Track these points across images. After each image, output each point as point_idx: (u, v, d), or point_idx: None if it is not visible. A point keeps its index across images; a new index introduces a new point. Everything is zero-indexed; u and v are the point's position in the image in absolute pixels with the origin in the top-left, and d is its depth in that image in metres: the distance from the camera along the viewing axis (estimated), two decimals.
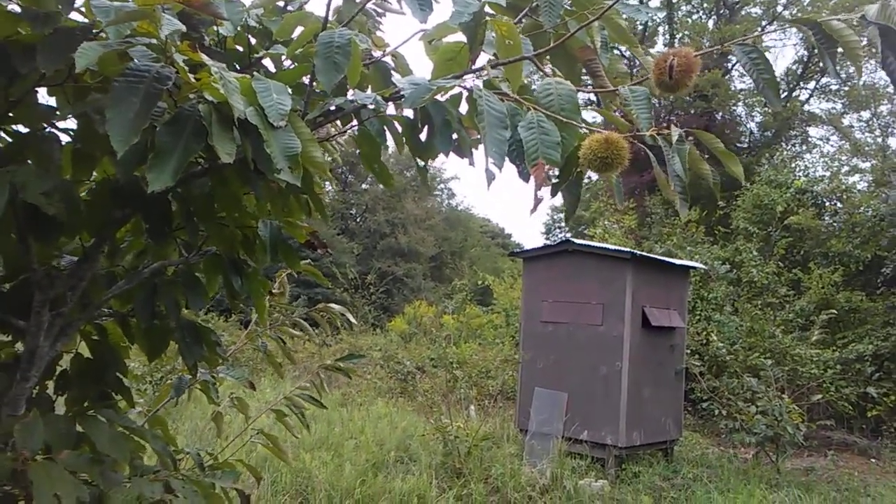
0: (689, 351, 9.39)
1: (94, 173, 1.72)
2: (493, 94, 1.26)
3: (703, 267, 10.78)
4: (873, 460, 9.03)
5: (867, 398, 9.60)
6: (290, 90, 1.32)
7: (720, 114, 19.03)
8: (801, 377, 9.12)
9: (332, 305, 2.72)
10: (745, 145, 20.56)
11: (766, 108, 20.41)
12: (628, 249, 8.03)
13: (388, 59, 1.70)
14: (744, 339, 10.23)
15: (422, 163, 1.56)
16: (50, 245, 1.64)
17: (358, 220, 30.95)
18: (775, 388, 7.97)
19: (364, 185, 31.43)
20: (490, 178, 1.20)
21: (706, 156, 1.40)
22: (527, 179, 1.26)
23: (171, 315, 1.88)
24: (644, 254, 8.14)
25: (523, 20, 1.57)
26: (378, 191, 30.92)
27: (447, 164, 48.30)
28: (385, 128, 1.60)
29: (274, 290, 2.73)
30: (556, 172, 1.37)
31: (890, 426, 9.75)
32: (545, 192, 1.40)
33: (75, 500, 1.32)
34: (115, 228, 1.57)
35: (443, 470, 6.56)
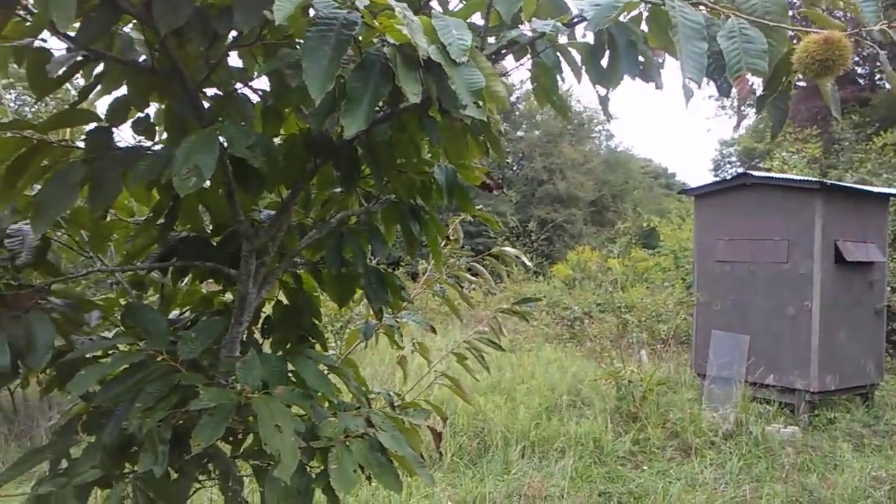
0: (890, 288, 8.51)
1: (282, 131, 1.82)
2: (687, 4, 1.16)
3: None
4: None
5: None
6: None
7: None
8: None
9: (507, 249, 2.73)
10: None
11: None
12: (817, 179, 7.34)
13: None
14: None
15: (602, 91, 1.48)
16: (251, 199, 1.76)
17: (515, 168, 30.84)
18: None
19: (519, 133, 31.20)
20: (688, 95, 1.11)
21: None
22: (727, 94, 1.15)
23: (358, 262, 1.96)
24: (835, 182, 7.40)
25: None
26: (534, 137, 30.57)
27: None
28: (561, 57, 1.53)
29: (450, 236, 2.78)
30: (761, 85, 1.24)
31: None
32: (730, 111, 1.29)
33: (293, 430, 1.43)
34: (307, 179, 1.65)
35: (617, 414, 6.50)
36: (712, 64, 1.20)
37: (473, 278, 2.91)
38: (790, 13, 1.20)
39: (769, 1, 1.12)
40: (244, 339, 1.91)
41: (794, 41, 1.26)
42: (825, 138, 14.63)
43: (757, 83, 1.18)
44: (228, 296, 2.04)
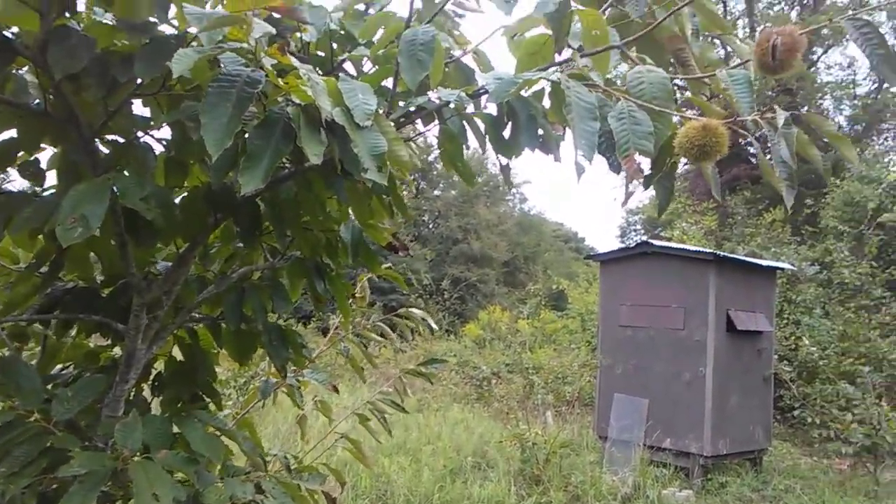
0: (777, 356, 9.01)
1: (185, 182, 1.78)
2: (581, 85, 1.22)
3: (791, 268, 10.31)
4: None
5: None
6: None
7: (806, 108, 18.23)
8: None
9: (414, 311, 2.73)
10: None
11: (856, 101, 19.43)
12: (711, 250, 7.77)
13: (468, 57, 1.69)
14: (836, 343, 9.73)
15: (504, 161, 1.53)
16: (147, 250, 1.69)
17: (430, 226, 31.13)
18: (873, 395, 7.53)
19: (436, 192, 31.62)
20: (580, 171, 1.16)
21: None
22: (618, 171, 1.22)
23: (258, 318, 1.91)
24: (727, 255, 7.85)
25: (608, 9, 1.52)
26: (450, 196, 31.06)
27: (519, 169, 48.00)
28: (467, 126, 1.58)
29: (356, 294, 2.76)
30: (649, 164, 1.32)
31: None
32: (632, 186, 1.36)
33: (172, 499, 1.35)
34: (207, 233, 1.61)
35: (521, 477, 6.49)
36: (605, 142, 1.26)
37: (380, 338, 2.89)
38: (678, 96, 1.29)
39: (656, 87, 1.20)
40: (131, 397, 1.81)
41: (682, 124, 1.35)
42: (721, 212, 15.56)
43: (645, 162, 1.25)
44: (118, 350, 1.94)
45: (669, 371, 7.26)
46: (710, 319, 6.98)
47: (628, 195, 1.22)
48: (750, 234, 13.14)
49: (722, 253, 7.79)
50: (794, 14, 20.18)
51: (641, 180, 1.28)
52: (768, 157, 1.30)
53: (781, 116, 1.13)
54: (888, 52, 1.04)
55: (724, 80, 1.18)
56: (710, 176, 1.32)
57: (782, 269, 9.29)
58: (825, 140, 1.28)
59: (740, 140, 1.35)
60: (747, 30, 20.64)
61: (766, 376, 7.70)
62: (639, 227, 31.63)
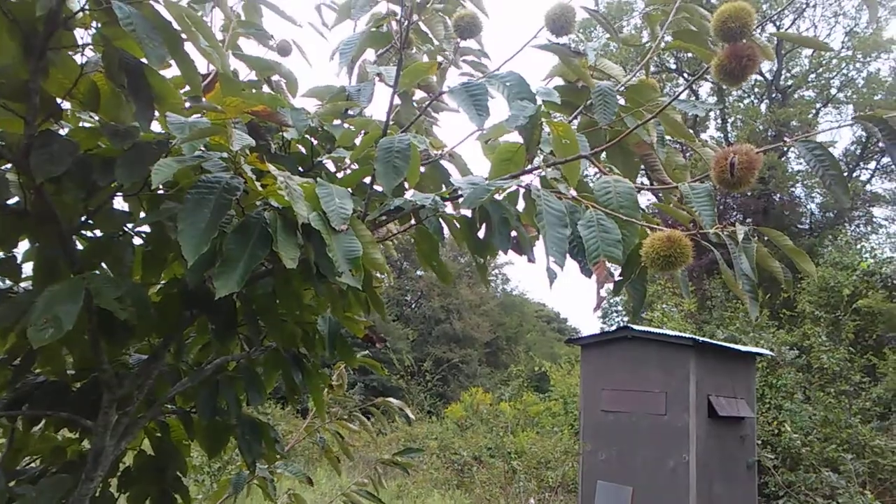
0: (759, 442, 8.92)
1: (162, 275, 1.79)
2: (551, 194, 1.27)
3: (770, 353, 10.33)
4: None
5: None
6: (351, 191, 1.35)
7: (778, 195, 18.72)
8: (882, 470, 8.50)
9: (391, 400, 2.72)
10: (807, 226, 20.09)
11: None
12: (690, 335, 7.79)
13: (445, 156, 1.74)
14: (818, 429, 9.66)
15: (480, 260, 1.56)
16: (120, 347, 1.68)
17: (413, 306, 31.06)
18: (856, 482, 7.45)
19: (419, 272, 31.70)
20: (552, 277, 1.19)
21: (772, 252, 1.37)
22: (589, 275, 1.25)
23: (231, 412, 1.89)
24: (707, 340, 7.87)
25: (578, 117, 1.59)
26: (432, 277, 31.13)
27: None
28: (443, 224, 1.62)
29: (333, 382, 2.74)
30: (619, 269, 1.35)
31: None
32: (606, 289, 1.38)
33: None
34: (182, 329, 1.61)
35: None
36: (576, 246, 1.30)
37: (356, 429, 2.86)
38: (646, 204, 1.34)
39: (623, 198, 1.25)
40: (97, 494, 1.76)
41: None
42: (699, 295, 15.71)
43: (615, 267, 1.28)
44: (87, 443, 1.89)
45: (653, 457, 7.14)
46: (691, 405, 6.93)
47: (600, 301, 1.24)
48: (728, 317, 13.22)
49: (701, 338, 7.82)
50: (763, 107, 21.00)
51: (612, 285, 1.31)
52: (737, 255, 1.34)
53: (741, 231, 1.17)
54: (839, 172, 1.09)
55: (687, 194, 1.23)
56: (679, 278, 1.36)
57: (762, 354, 9.32)
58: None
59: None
60: (719, 121, 21.40)
61: (750, 463, 7.60)
62: (620, 308, 31.72)
